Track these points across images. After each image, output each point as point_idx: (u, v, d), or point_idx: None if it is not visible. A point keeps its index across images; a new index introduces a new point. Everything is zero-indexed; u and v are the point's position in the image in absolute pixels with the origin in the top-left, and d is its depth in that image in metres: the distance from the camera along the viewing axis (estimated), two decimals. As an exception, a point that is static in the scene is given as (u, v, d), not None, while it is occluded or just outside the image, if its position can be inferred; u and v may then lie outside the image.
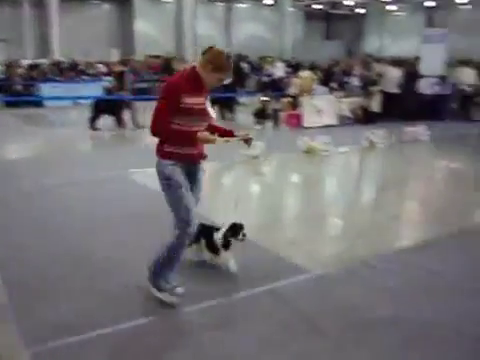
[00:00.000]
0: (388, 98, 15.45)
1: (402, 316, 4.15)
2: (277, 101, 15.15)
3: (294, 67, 21.73)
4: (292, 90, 15.45)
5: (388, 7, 38.54)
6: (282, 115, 14.46)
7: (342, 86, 17.38)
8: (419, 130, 12.69)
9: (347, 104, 15.25)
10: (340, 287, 4.66)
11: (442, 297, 4.51)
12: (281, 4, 31.90)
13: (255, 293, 4.48)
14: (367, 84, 15.91)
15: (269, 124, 13.96)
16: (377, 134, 11.83)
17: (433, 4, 35.14)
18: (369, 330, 3.93)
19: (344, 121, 14.98)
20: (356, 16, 41.63)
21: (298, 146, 10.75)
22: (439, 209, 7.36)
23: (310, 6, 37.70)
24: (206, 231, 4.85)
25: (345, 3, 37.38)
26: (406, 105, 15.80)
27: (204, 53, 4.06)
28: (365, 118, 15.01)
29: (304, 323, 4.02)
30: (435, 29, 24.47)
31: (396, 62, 16.78)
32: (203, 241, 4.88)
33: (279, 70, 20.18)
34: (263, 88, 17.02)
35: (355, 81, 17.18)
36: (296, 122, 14.32)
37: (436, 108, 16.29)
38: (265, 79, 20.26)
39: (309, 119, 14.38)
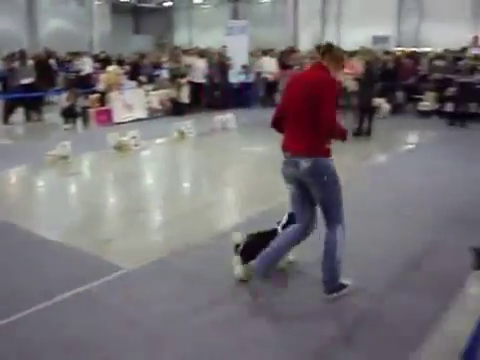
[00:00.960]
0: (196, 89, 15.79)
1: (216, 301, 4.25)
2: (86, 98, 14.69)
3: (102, 62, 21.21)
4: (100, 86, 15.08)
5: (195, 0, 39.34)
6: (91, 112, 14.05)
7: (152, 79, 17.38)
8: (227, 118, 13.12)
9: (156, 97, 15.29)
10: (152, 280, 4.67)
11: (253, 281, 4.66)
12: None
13: (67, 297, 4.31)
14: (176, 76, 16.09)
15: (78, 122, 13.48)
16: (187, 124, 12.02)
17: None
18: (178, 320, 3.97)
19: (154, 114, 15.01)
20: (165, 9, 41.88)
21: (108, 143, 10.53)
22: (249, 192, 7.73)
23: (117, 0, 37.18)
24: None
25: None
26: (214, 94, 16.31)
27: (326, 51, 4.17)
28: (175, 109, 15.18)
29: (118, 323, 3.95)
30: (237, 21, 25.53)
31: (201, 53, 17.17)
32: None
33: (87, 66, 19.56)
34: (71, 85, 16.36)
35: (164, 73, 17.28)
36: (106, 118, 14.01)
37: (243, 96, 17.04)
38: (72, 76, 19.50)
39: (119, 114, 14.16)
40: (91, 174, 9.58)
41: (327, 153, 4.13)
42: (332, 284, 4.26)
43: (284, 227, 4.63)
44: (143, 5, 39.90)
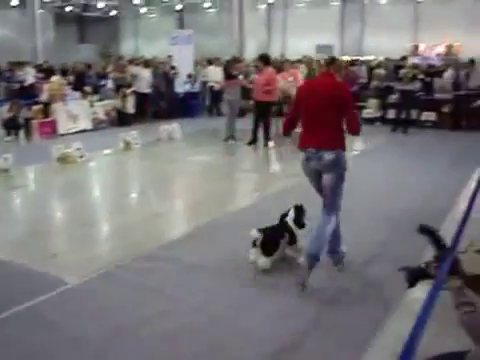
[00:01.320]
0: (142, 99, 15.73)
1: (164, 312, 4.24)
2: (28, 109, 14.37)
3: (46, 72, 20.84)
4: (44, 97, 14.80)
5: (141, 10, 39.15)
6: (34, 124, 13.75)
7: (97, 90, 17.17)
8: (173, 128, 13.10)
9: (101, 107, 15.12)
10: (99, 294, 4.62)
11: (206, 288, 4.70)
12: (29, 6, 30.34)
13: (10, 314, 4.20)
14: (121, 86, 15.96)
15: (21, 134, 13.18)
16: (132, 135, 11.95)
17: (181, 7, 36.64)
18: (125, 333, 3.94)
19: (99, 125, 14.84)
20: (110, 19, 41.49)
21: (52, 155, 10.35)
22: (195, 202, 7.73)
23: (61, 8, 36.53)
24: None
25: (98, 6, 36.99)
26: (160, 104, 16.29)
27: (331, 62, 4.94)
28: (120, 120, 15.06)
29: (63, 340, 3.87)
30: (182, 30, 25.59)
31: (147, 63, 17.10)
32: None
33: (29, 76, 19.16)
34: (13, 96, 15.98)
35: (109, 84, 17.12)
36: (50, 130, 13.74)
37: (188, 106, 17.07)
38: (15, 86, 19.06)
39: (63, 126, 13.92)
40: (35, 187, 9.41)
41: (345, 147, 4.86)
42: (337, 256, 5.09)
43: (297, 218, 5.26)
44: (88, 14, 39.40)
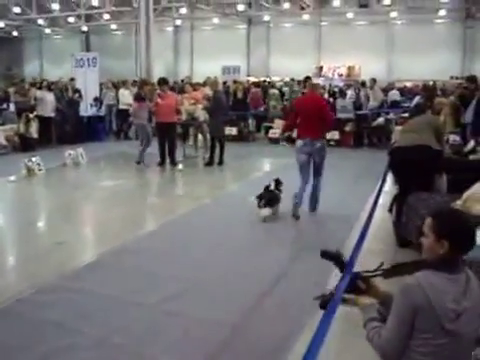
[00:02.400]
0: (46, 123, 15.26)
1: (69, 347, 4.08)
2: None
3: None
4: None
5: (45, 30, 38.15)
6: None
7: (-2, 113, 16.48)
8: (78, 152, 12.77)
9: (2, 132, 14.50)
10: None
11: (110, 319, 4.57)
12: None
13: None
14: (24, 110, 15.42)
15: None
16: (36, 160, 11.51)
17: (87, 29, 36.06)
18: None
19: (1, 150, 14.20)
20: (13, 39, 40.14)
21: None
22: (100, 228, 7.61)
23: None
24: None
25: (-1, 25, 35.74)
26: (64, 128, 15.89)
27: (307, 80, 8.71)
28: (23, 145, 14.49)
29: None
30: (87, 53, 25.17)
31: (50, 86, 16.65)
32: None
33: None
34: None
35: (11, 107, 16.48)
36: None
37: (94, 129, 16.75)
38: None
39: (-39, 152, 13.27)
40: None
41: (325, 138, 8.17)
42: (316, 207, 7.99)
43: (277, 186, 7.93)
44: (-13, 35, 37.95)
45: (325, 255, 3.09)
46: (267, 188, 7.79)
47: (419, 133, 6.51)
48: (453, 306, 2.39)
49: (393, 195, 7.35)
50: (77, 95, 16.61)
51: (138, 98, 12.63)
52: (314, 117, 7.56)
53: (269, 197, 7.64)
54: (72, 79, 17.50)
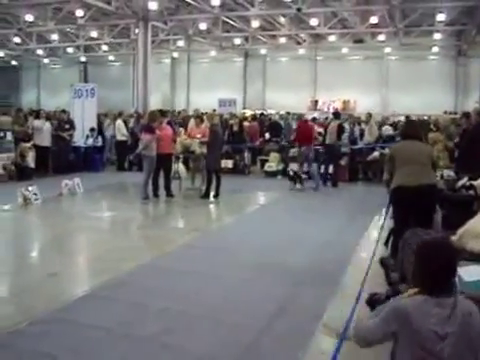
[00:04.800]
0: (43, 152, 15.33)
1: None
2: None
3: None
4: None
5: (44, 60, 38.45)
6: None
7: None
8: (74, 182, 12.79)
9: (-1, 161, 14.55)
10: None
11: (102, 351, 4.56)
12: None
13: None
14: (21, 139, 15.50)
15: None
16: (32, 190, 11.52)
17: (85, 59, 36.42)
18: None
19: (-3, 179, 14.23)
20: (11, 68, 40.45)
21: None
22: (94, 260, 7.55)
23: (-43, 56, 35.27)
24: None
25: (-3, 55, 36.04)
26: (61, 158, 15.95)
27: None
28: (19, 174, 14.52)
29: None
30: (84, 84, 25.40)
31: (48, 116, 16.76)
32: None
33: None
34: None
35: (9, 136, 16.54)
36: None
37: (91, 160, 16.82)
38: None
39: (-43, 180, 13.27)
40: None
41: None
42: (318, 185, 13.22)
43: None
44: (-14, 63, 38.25)
45: (383, 263, 3.25)
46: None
47: (421, 167, 6.46)
48: (435, 328, 2.56)
49: (389, 229, 7.40)
50: (67, 126, 16.60)
51: (148, 130, 11.93)
52: (309, 133, 14.11)
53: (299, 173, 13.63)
54: (63, 111, 17.50)
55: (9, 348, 4.62)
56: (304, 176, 14.12)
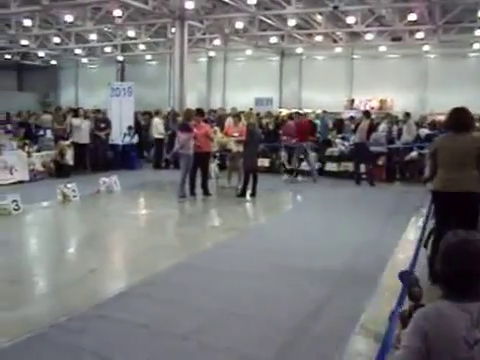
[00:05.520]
0: (81, 150, 15.56)
1: None
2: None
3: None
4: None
5: (83, 60, 39.04)
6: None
7: (35, 140, 16.88)
8: (112, 180, 12.95)
9: (39, 158, 14.83)
10: (31, 356, 4.41)
11: (144, 346, 4.59)
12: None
13: None
14: (61, 137, 15.79)
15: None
16: (71, 187, 11.71)
17: (122, 58, 36.82)
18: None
19: (37, 176, 14.51)
20: (50, 68, 41.19)
21: (-14, 207, 9.98)
22: (131, 258, 7.64)
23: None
24: None
25: (39, 54, 36.70)
26: (99, 156, 16.16)
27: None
28: (58, 171, 14.79)
29: None
30: (123, 83, 25.68)
31: (86, 114, 17.02)
32: None
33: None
34: None
35: (48, 134, 16.89)
36: (-16, 181, 13.35)
37: (128, 158, 17.00)
38: None
39: (-1, 177, 13.55)
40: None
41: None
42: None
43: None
44: (27, 62, 38.98)
45: (402, 277, 3.06)
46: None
47: (464, 170, 5.93)
48: (464, 335, 2.38)
49: (429, 229, 7.27)
50: (104, 125, 16.83)
51: (185, 128, 11.95)
52: (304, 131, 14.40)
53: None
54: (98, 110, 17.75)
55: (50, 341, 4.72)
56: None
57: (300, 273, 6.71)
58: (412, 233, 8.99)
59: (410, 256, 5.89)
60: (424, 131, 16.82)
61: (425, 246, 7.20)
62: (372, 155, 14.94)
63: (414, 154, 15.16)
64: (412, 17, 21.05)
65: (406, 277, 3.03)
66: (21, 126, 17.90)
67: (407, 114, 16.69)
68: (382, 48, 28.95)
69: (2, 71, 38.18)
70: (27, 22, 24.23)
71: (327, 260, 7.32)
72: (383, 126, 16.44)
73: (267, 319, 5.24)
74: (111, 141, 17.12)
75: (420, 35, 25.63)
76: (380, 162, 15.29)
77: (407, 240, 8.53)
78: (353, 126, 16.23)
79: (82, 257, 7.81)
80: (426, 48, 28.30)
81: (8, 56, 36.76)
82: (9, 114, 23.65)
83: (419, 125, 17.69)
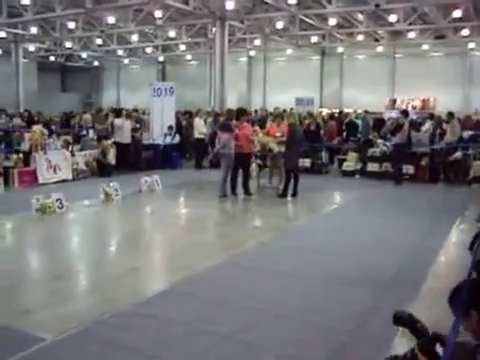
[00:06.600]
0: (122, 149, 15.76)
1: None
2: (6, 158, 14.27)
3: (27, 120, 20.93)
4: (25, 145, 14.70)
5: (124, 61, 39.62)
6: (14, 173, 13.62)
7: (79, 139, 17.20)
8: (153, 179, 13.07)
9: (82, 157, 15.09)
10: (75, 352, 4.48)
11: (187, 344, 4.61)
12: (14, 56, 30.63)
13: None
14: (103, 137, 16.03)
15: (-1, 183, 13.05)
16: (113, 186, 11.86)
17: (163, 59, 37.19)
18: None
19: (80, 175, 14.76)
20: (93, 69, 41.98)
21: (31, 205, 10.19)
22: (173, 256, 7.67)
23: (45, 58, 36.90)
24: None
25: (82, 56, 37.43)
26: (140, 155, 16.35)
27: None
28: (101, 171, 15.01)
29: None
30: (164, 83, 25.94)
31: (128, 114, 17.24)
32: None
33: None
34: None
35: (91, 134, 17.16)
36: (30, 179, 13.65)
37: (169, 157, 17.14)
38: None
39: (43, 175, 13.83)
40: (11, 239, 9.25)
41: None
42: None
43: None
44: (70, 64, 39.80)
45: (398, 321, 2.82)
46: None
47: None
48: None
49: (475, 233, 7.08)
50: (137, 125, 17.01)
51: (226, 128, 11.95)
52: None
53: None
54: (135, 110, 17.97)
55: (94, 337, 4.78)
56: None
57: (345, 274, 6.62)
58: (457, 235, 8.79)
59: (454, 260, 5.77)
60: (468, 133, 16.47)
61: (470, 249, 7.03)
62: (412, 156, 14.69)
63: (458, 154, 14.83)
64: (457, 14, 20.58)
65: (401, 317, 2.77)
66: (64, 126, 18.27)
67: (451, 114, 16.34)
68: (425, 46, 28.46)
69: (47, 73, 39.08)
70: (71, 25, 24.76)
71: (371, 261, 7.22)
72: (426, 126, 16.12)
73: (312, 320, 5.19)
74: (152, 141, 17.28)
75: (465, 32, 25.03)
76: (423, 163, 14.99)
77: (451, 243, 8.35)
78: (390, 126, 15.84)
79: (124, 255, 7.91)
80: (471, 45, 27.66)
81: (52, 58, 37.59)
82: (66, 114, 24.08)
83: (463, 126, 17.29)
